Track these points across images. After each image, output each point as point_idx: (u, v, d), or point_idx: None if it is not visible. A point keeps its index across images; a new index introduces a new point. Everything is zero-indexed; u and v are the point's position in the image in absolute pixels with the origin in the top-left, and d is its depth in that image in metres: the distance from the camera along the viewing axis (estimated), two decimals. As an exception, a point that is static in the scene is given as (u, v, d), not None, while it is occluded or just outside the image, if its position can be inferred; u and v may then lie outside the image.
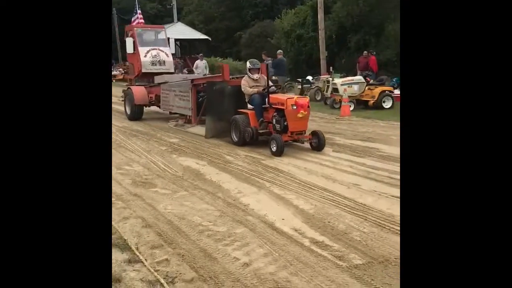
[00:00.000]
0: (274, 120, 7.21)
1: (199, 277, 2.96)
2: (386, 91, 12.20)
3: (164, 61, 12.01)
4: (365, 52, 15.54)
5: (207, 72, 16.85)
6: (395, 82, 14.67)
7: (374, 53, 16.24)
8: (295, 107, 6.81)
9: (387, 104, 12.17)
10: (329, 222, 3.90)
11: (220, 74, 8.71)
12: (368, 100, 12.32)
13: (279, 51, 15.18)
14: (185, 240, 3.58)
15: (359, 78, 12.72)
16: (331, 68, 15.99)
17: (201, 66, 17.44)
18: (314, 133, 7.17)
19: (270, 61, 14.65)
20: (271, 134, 7.19)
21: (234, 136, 7.74)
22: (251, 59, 8.50)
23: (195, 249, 3.39)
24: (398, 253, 3.20)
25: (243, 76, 8.23)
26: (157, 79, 11.18)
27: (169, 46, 12.64)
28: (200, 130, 8.99)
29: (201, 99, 9.49)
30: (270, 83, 7.88)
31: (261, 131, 7.36)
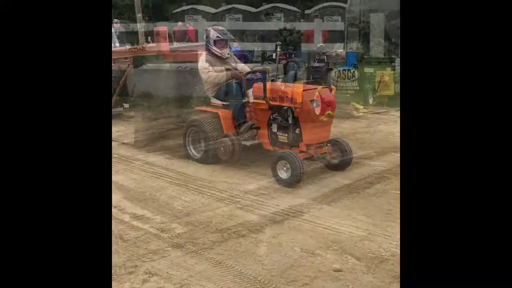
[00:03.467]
0: (274, 127, 4.42)
1: None
2: None
3: None
4: None
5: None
6: None
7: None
8: (316, 105, 4.05)
9: None
10: (150, 195, 3.79)
11: (154, 45, 5.87)
12: None
13: None
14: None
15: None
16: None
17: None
18: (334, 143, 4.35)
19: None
20: (258, 143, 4.52)
21: (193, 150, 4.88)
22: (215, 26, 5.37)
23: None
24: (218, 218, 3.28)
25: (194, 47, 5.27)
26: None
27: None
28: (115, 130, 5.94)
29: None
30: (251, 68, 5.06)
31: (248, 143, 4.48)
